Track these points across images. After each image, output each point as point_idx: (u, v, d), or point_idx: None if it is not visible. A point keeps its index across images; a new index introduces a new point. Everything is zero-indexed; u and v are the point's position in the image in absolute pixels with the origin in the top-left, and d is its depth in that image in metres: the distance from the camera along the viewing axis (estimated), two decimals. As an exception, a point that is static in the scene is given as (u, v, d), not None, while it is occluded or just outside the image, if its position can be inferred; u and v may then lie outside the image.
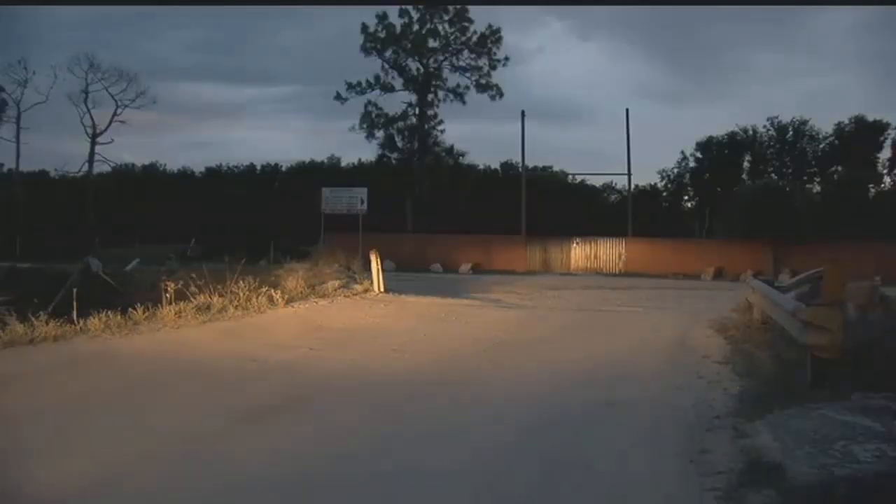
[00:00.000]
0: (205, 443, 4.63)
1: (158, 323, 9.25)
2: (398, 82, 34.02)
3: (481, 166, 38.97)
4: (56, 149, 67.49)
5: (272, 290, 12.43)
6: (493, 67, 33.84)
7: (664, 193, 38.77)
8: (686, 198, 39.43)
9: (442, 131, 34.86)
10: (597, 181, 37.94)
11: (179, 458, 4.33)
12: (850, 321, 5.70)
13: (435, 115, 34.56)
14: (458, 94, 33.92)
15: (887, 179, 35.78)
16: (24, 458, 4.24)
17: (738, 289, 13.37)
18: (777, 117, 36.27)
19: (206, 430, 4.89)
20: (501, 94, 33.80)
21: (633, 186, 33.12)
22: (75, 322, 8.86)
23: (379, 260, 16.08)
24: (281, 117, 58.23)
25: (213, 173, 41.03)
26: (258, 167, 41.30)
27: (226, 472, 4.14)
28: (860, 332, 5.98)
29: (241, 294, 11.57)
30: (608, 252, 26.62)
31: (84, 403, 5.54)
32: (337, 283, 15.22)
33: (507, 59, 34.03)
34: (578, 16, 55.70)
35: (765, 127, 36.51)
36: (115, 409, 5.40)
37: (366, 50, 33.28)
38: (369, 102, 33.75)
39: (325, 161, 40.68)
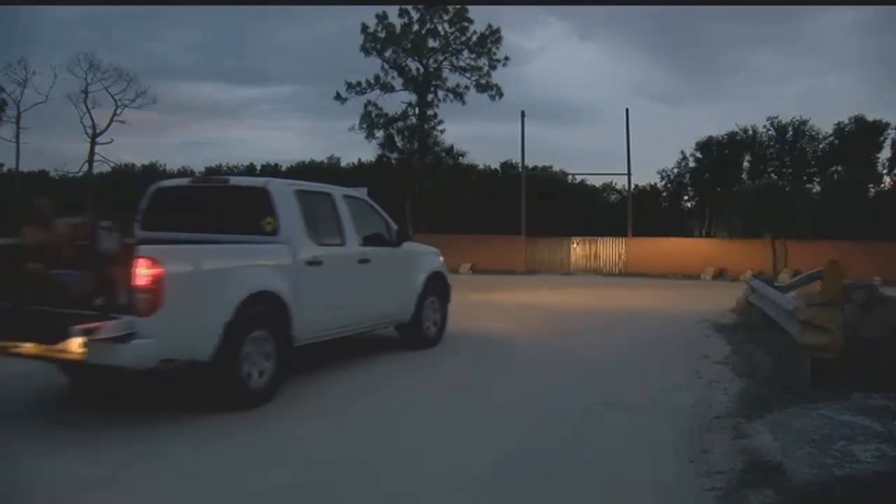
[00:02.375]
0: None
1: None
2: (398, 82, 34.01)
3: (481, 166, 38.87)
4: (56, 149, 67.48)
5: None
6: (493, 67, 33.82)
7: (664, 193, 38.71)
8: (686, 198, 39.38)
9: (442, 131, 34.83)
10: (597, 181, 37.84)
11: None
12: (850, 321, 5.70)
13: (435, 115, 34.53)
14: (458, 94, 33.90)
15: (887, 179, 35.75)
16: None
17: (739, 289, 13.37)
18: (777, 117, 36.21)
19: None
20: (501, 94, 33.79)
21: (633, 186, 33.10)
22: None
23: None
24: (281, 117, 58.23)
25: (213, 173, 40.99)
26: (258, 167, 41.23)
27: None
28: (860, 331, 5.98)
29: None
30: (608, 252, 26.65)
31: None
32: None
33: (507, 59, 34.02)
34: (579, 16, 55.81)
35: (765, 127, 36.45)
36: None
37: (366, 50, 33.28)
38: (369, 102, 33.74)
39: (325, 161, 40.65)
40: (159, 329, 4.87)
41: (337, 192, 7.39)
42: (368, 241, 7.47)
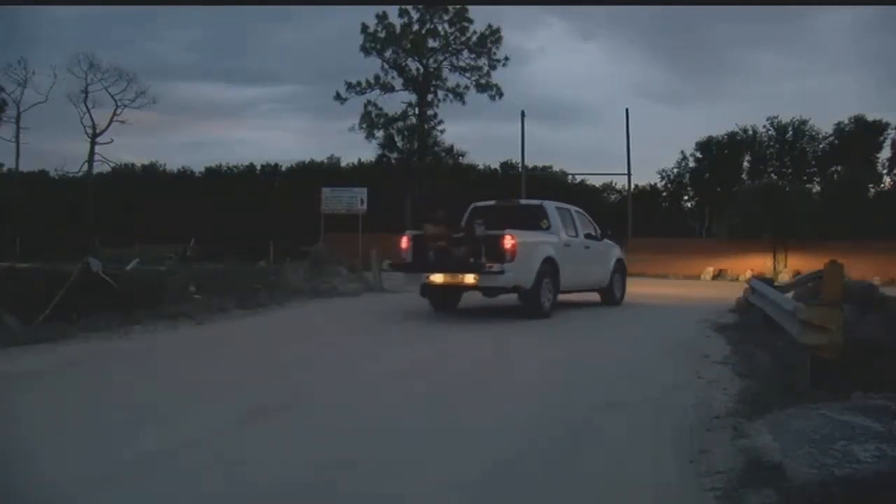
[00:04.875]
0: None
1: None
2: (398, 82, 34.08)
3: (481, 166, 39.04)
4: (56, 149, 67.72)
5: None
6: (493, 67, 33.92)
7: (664, 193, 38.77)
8: (686, 198, 39.44)
9: (442, 131, 34.93)
10: (597, 181, 38.05)
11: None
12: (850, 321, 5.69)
13: (435, 115, 34.63)
14: (458, 94, 33.98)
15: (887, 179, 35.81)
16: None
17: (738, 289, 13.38)
18: (777, 117, 36.34)
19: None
20: (501, 94, 33.89)
21: (633, 186, 33.21)
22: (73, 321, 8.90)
23: (379, 260, 16.10)
24: (281, 117, 58.39)
25: (213, 173, 40.95)
26: (258, 167, 41.26)
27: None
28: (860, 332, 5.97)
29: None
30: (608, 252, 26.61)
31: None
32: (336, 281, 15.26)
33: (506, 59, 34.12)
34: (580, 16, 55.93)
35: (765, 127, 36.57)
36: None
37: (366, 50, 33.33)
38: (369, 102, 33.82)
39: (325, 161, 40.67)
40: (514, 270, 10.37)
41: (572, 207, 12.87)
42: (587, 236, 12.67)
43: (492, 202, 12.31)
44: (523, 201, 12.74)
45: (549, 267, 10.96)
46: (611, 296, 13.40)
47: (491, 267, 10.24)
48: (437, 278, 10.89)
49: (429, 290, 11.22)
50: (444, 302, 11.63)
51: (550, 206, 11.94)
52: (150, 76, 67.28)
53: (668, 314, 12.60)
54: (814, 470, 3.53)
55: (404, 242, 11.30)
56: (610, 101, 61.38)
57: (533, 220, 11.60)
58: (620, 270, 13.69)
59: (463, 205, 12.36)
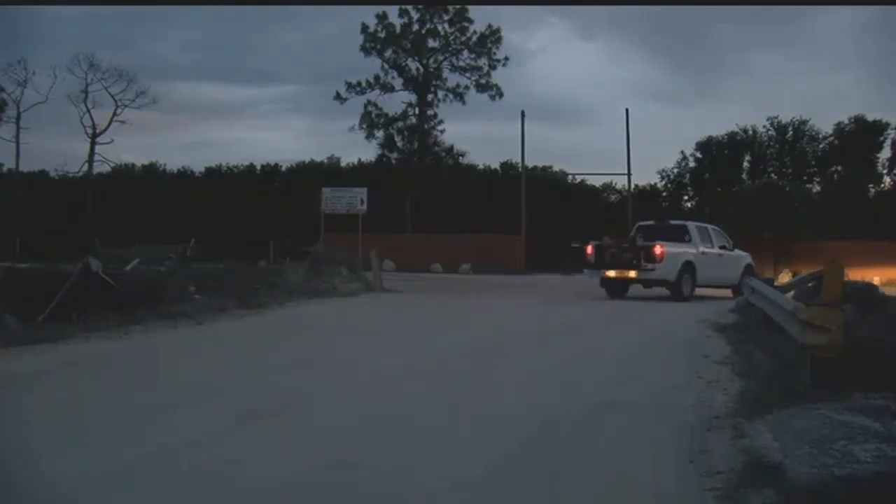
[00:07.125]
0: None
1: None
2: (398, 82, 34.09)
3: (481, 166, 38.89)
4: (56, 149, 67.65)
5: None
6: (493, 67, 33.94)
7: (664, 193, 38.72)
8: (686, 198, 39.38)
9: (442, 131, 34.92)
10: (597, 181, 37.92)
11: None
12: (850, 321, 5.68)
13: (435, 115, 34.63)
14: (458, 94, 33.98)
15: (887, 179, 35.78)
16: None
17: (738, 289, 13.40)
18: (777, 117, 36.26)
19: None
20: (501, 94, 33.89)
21: (633, 186, 33.20)
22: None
23: (379, 260, 16.12)
24: (281, 117, 58.26)
25: (213, 173, 40.82)
26: (258, 167, 41.10)
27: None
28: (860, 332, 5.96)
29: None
30: (608, 252, 26.61)
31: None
32: (336, 281, 15.27)
33: (506, 59, 34.13)
34: (580, 16, 55.81)
35: (765, 127, 36.50)
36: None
37: (366, 50, 33.34)
38: (369, 102, 33.82)
39: (325, 161, 40.54)
40: (661, 268, 14.92)
41: (710, 226, 17.35)
42: (721, 247, 16.53)
43: (651, 222, 17.21)
44: (673, 221, 17.24)
45: (689, 267, 15.17)
46: (739, 290, 15.98)
47: (646, 266, 14.73)
48: (611, 273, 15.33)
49: (605, 281, 15.59)
50: (616, 290, 15.75)
51: (692, 225, 16.59)
52: (150, 76, 67.11)
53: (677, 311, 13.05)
54: (814, 470, 3.53)
55: (589, 250, 15.64)
56: (610, 101, 61.42)
57: (679, 235, 15.91)
58: (749, 273, 16.28)
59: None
